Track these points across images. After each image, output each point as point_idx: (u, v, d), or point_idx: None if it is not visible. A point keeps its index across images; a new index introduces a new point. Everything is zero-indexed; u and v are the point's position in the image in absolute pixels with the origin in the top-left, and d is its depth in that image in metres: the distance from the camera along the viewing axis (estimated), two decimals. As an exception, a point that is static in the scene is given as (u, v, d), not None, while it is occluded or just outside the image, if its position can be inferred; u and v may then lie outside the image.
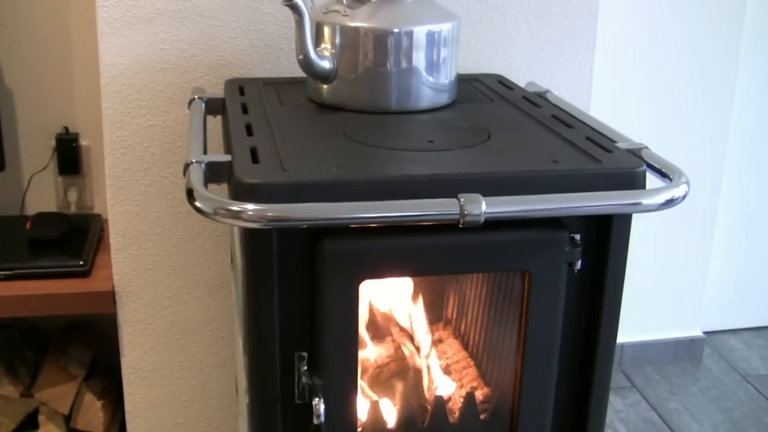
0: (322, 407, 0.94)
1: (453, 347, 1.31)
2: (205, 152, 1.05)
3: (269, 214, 0.86)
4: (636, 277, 2.18)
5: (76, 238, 1.61)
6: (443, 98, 1.23)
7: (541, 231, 0.97)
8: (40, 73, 1.74)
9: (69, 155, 1.75)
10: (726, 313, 2.36)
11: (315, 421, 0.94)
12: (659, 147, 2.09)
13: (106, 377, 1.69)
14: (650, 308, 2.21)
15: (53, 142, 1.75)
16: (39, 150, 1.77)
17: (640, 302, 2.20)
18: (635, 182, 0.97)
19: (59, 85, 1.75)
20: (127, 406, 1.57)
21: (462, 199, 0.86)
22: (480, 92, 1.33)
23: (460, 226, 0.87)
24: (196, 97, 1.29)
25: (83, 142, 1.77)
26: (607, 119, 1.99)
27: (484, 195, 0.89)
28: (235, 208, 0.87)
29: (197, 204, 0.88)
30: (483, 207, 0.86)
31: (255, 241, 0.93)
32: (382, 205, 0.87)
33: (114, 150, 1.43)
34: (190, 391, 1.58)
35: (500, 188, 0.91)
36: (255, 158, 0.97)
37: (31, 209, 1.78)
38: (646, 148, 1.08)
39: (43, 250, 1.57)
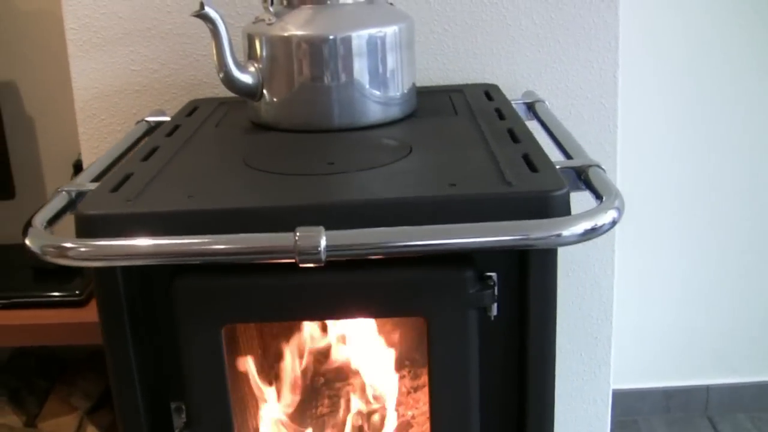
0: (178, 468, 0.83)
1: (420, 398, 1.15)
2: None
3: (107, 250, 0.77)
4: (722, 311, 1.90)
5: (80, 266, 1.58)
6: (394, 112, 1.09)
7: (438, 269, 0.81)
8: (58, 100, 1.73)
9: (87, 181, 1.73)
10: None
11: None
12: (719, 156, 1.82)
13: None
14: (741, 346, 1.91)
15: (71, 169, 1.74)
16: (58, 176, 1.76)
17: (728, 340, 1.91)
18: (551, 208, 0.79)
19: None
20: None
21: (297, 234, 0.72)
22: (451, 104, 1.16)
23: (300, 265, 0.72)
24: (145, 119, 1.22)
25: (101, 168, 1.75)
26: (649, 132, 1.76)
27: (351, 226, 0.74)
28: (66, 245, 0.77)
29: (26, 242, 0.79)
30: (323, 243, 0.72)
31: (101, 278, 0.83)
32: (207, 240, 0.74)
33: (93, 176, 1.38)
34: (186, 427, 1.50)
35: (373, 217, 0.76)
36: (118, 187, 0.87)
37: (56, 236, 1.77)
38: (597, 166, 0.89)
39: (43, 278, 1.55)
